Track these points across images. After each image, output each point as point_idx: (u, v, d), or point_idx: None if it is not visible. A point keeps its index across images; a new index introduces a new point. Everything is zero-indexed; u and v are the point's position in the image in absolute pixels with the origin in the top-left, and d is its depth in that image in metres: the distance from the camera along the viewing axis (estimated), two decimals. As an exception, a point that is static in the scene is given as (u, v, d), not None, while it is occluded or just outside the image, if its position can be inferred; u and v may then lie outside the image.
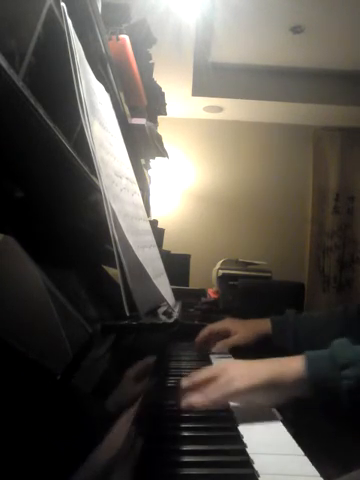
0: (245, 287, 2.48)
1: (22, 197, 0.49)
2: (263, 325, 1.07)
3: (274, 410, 0.67)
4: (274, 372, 0.65)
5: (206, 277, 2.90)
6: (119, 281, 0.45)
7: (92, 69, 0.65)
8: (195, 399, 0.65)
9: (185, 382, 0.68)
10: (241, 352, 1.05)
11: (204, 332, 1.10)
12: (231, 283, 2.58)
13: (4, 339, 0.27)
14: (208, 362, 1.00)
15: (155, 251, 0.77)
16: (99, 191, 0.48)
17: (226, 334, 1.08)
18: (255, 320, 1.10)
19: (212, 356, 1.06)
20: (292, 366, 0.65)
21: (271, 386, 0.64)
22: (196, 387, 0.67)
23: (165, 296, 0.65)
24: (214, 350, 1.07)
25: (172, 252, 2.15)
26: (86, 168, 0.63)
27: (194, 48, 2.58)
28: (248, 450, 0.52)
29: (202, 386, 0.66)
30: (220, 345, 1.07)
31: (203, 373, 0.69)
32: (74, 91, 0.49)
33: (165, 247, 1.90)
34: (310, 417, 0.74)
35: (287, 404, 0.66)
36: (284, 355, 0.70)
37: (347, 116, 3.27)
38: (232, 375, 0.65)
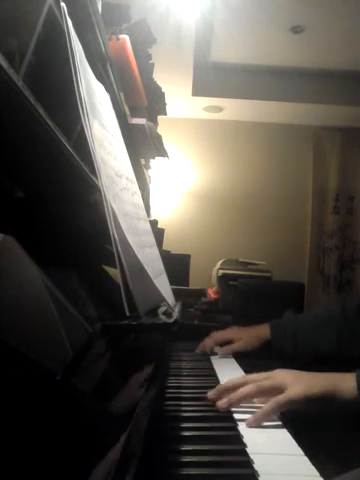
0: (245, 287, 2.48)
1: (22, 197, 0.49)
2: (263, 330, 1.09)
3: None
4: (330, 386, 0.66)
5: (206, 277, 2.90)
6: (119, 281, 0.45)
7: (92, 69, 0.65)
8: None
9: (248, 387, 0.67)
10: (245, 355, 1.07)
11: (209, 342, 1.11)
12: (231, 283, 2.58)
13: (4, 339, 0.27)
14: (208, 362, 1.01)
15: (155, 251, 0.77)
16: (99, 191, 0.48)
17: (230, 342, 1.10)
18: (255, 326, 1.13)
19: (212, 357, 1.06)
20: (346, 384, 0.66)
21: (325, 397, 0.65)
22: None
23: (165, 296, 0.65)
24: (219, 353, 1.09)
25: (172, 252, 2.15)
26: (86, 168, 0.63)
27: (194, 48, 2.58)
28: (248, 450, 0.52)
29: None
30: (225, 349, 1.09)
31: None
32: (74, 91, 0.49)
33: (165, 247, 1.91)
34: (310, 417, 0.74)
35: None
36: (284, 359, 0.70)
37: (347, 116, 3.27)
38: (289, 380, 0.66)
